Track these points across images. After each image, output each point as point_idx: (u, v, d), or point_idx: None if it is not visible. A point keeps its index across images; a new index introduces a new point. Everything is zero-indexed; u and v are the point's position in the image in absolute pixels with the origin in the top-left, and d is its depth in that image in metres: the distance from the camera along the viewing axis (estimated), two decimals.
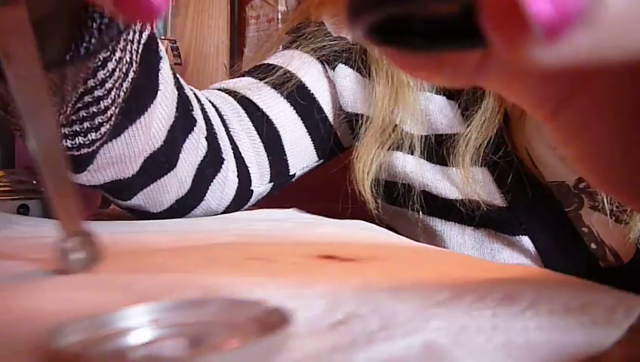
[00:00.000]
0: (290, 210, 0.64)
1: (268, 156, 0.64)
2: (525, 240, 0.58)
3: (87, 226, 0.31)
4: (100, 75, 0.43)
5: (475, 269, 0.33)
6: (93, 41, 0.40)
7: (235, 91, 0.64)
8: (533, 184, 0.57)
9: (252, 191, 0.63)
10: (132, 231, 0.48)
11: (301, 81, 0.65)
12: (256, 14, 2.02)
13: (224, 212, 0.62)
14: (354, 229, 0.51)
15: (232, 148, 0.61)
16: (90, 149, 0.47)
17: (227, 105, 0.63)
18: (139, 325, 0.20)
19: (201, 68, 2.11)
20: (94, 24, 0.40)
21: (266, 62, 0.67)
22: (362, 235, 0.48)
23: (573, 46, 0.15)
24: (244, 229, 0.50)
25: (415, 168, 0.61)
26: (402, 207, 0.63)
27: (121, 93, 0.46)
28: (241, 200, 0.63)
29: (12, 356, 0.18)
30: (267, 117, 0.63)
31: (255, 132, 0.63)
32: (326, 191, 0.65)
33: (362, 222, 0.54)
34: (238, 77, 0.67)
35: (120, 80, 0.45)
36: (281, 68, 0.65)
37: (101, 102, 0.44)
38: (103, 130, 0.46)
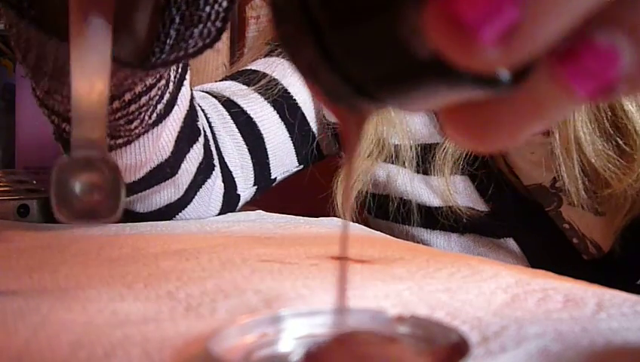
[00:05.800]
0: (259, 211, 0.62)
1: (252, 159, 0.63)
2: (510, 242, 0.59)
3: None
4: (138, 89, 0.41)
5: (475, 267, 0.33)
6: (167, 49, 0.36)
7: (220, 94, 0.64)
8: (513, 188, 0.59)
9: (239, 195, 0.62)
10: (120, 235, 0.46)
11: (285, 88, 0.65)
12: (257, 14, 2.02)
13: None
14: (338, 228, 0.51)
15: (217, 154, 0.60)
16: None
17: (212, 108, 0.63)
18: (288, 330, 0.20)
19: (201, 68, 2.11)
20: (171, 33, 0.35)
21: (249, 67, 0.67)
22: (354, 235, 0.48)
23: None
24: (229, 230, 0.49)
25: (399, 178, 0.62)
26: (386, 218, 0.64)
27: (153, 116, 0.45)
28: (229, 205, 0.61)
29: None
30: (251, 120, 0.63)
31: (239, 135, 0.62)
32: (313, 194, 0.65)
33: (336, 218, 0.55)
34: (221, 81, 0.67)
35: (156, 98, 0.43)
36: (266, 74, 0.65)
37: (133, 119, 0.42)
38: (119, 141, 0.45)
